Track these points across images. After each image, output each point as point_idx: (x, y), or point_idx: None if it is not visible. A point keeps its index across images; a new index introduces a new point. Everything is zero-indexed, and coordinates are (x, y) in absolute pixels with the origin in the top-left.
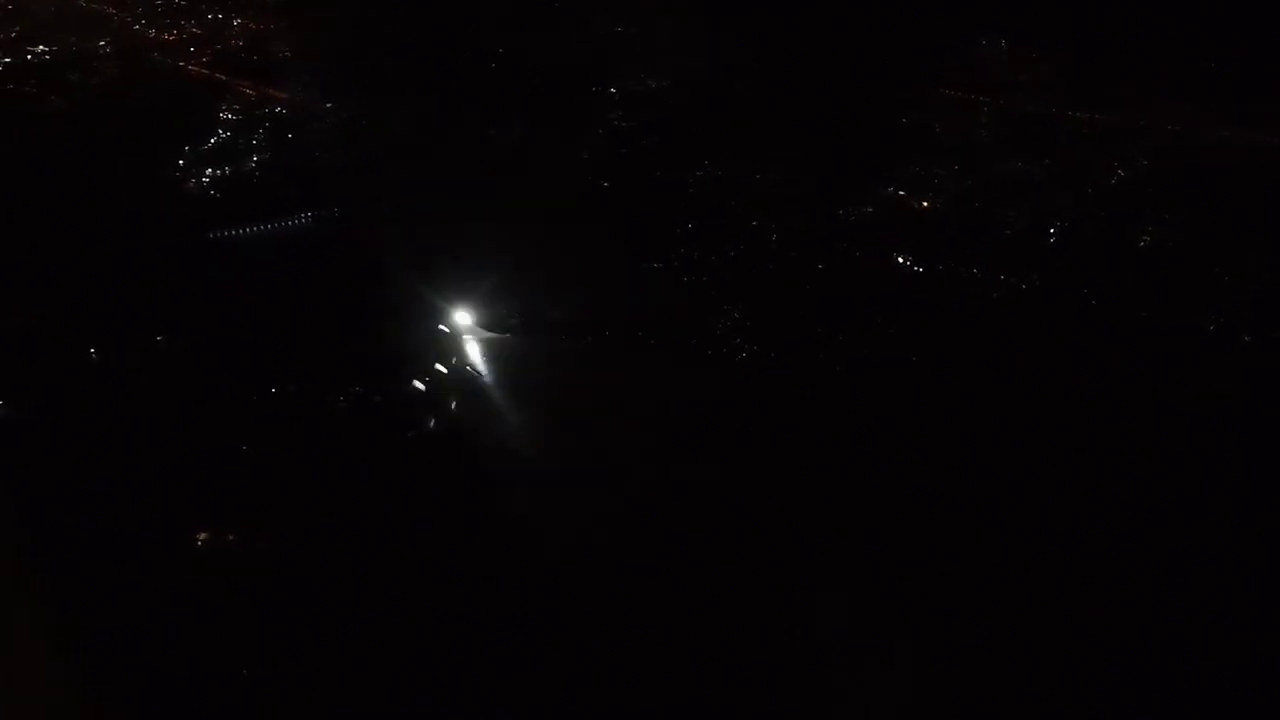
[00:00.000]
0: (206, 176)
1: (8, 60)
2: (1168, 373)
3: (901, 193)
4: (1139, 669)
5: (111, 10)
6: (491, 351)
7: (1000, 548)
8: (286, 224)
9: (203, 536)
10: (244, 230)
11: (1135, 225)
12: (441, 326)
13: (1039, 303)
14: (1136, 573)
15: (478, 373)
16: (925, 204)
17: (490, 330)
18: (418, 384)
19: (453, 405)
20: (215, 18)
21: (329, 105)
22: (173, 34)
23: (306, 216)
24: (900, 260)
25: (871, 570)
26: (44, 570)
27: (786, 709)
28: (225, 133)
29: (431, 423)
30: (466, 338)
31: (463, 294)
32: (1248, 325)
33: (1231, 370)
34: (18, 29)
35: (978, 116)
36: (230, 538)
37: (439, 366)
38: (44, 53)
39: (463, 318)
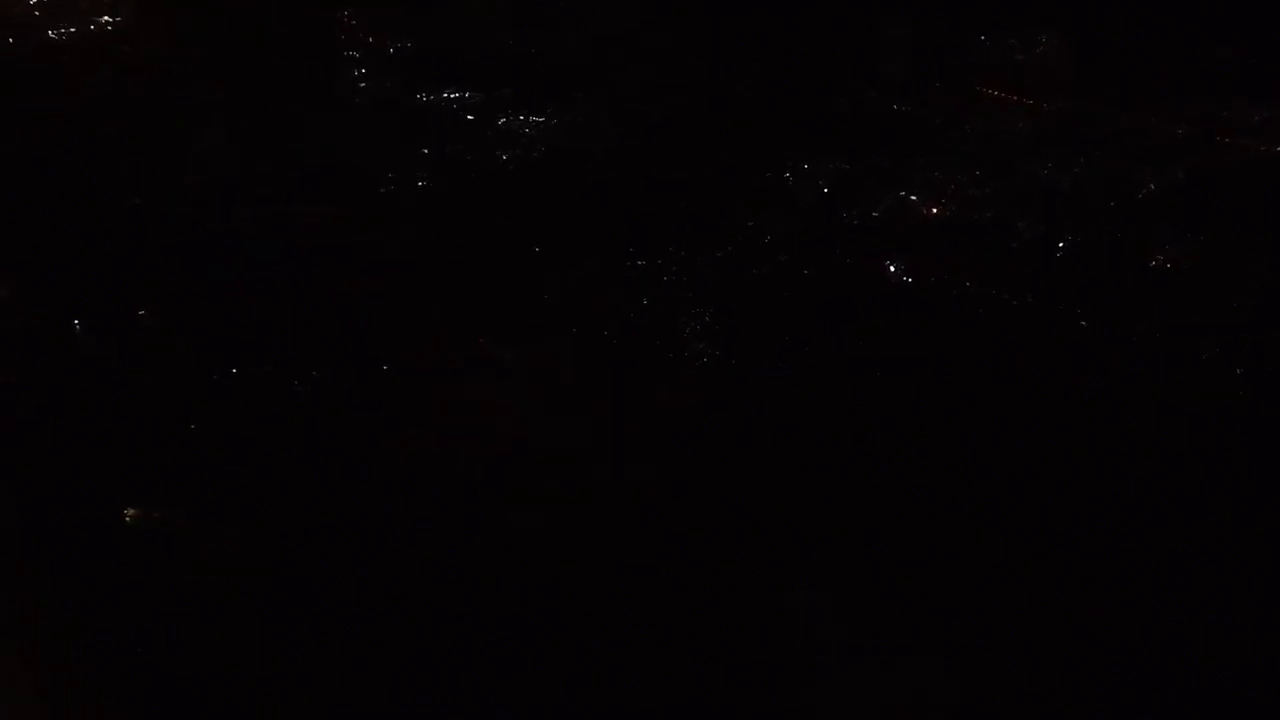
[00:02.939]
0: (226, 155)
1: (71, 30)
2: (1147, 401)
3: (913, 197)
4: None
5: None
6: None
7: (970, 573)
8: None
9: (130, 514)
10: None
11: (1152, 241)
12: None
13: (1026, 321)
14: (1121, 592)
15: (449, 373)
16: (935, 210)
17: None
18: (392, 374)
19: (428, 397)
20: None
21: (362, 86)
22: None
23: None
24: (892, 269)
25: (846, 586)
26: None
27: (784, 709)
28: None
29: (407, 414)
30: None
31: (438, 292)
32: (1245, 356)
33: (1218, 402)
34: None
35: (1014, 118)
36: (156, 515)
37: (413, 360)
38: (107, 23)
39: (435, 316)
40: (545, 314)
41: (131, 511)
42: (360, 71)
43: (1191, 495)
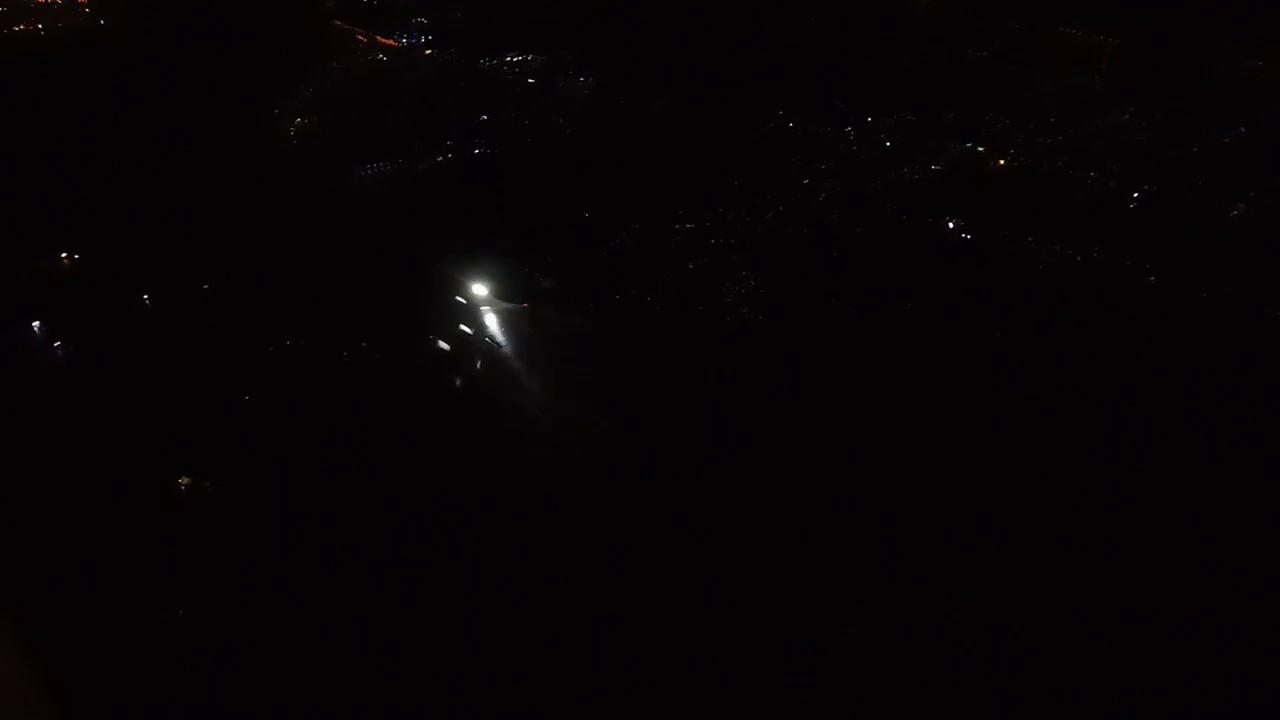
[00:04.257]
0: (295, 125)
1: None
2: (1211, 361)
3: (980, 149)
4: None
5: None
6: (509, 320)
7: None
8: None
9: (184, 481)
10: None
11: (1231, 195)
12: (461, 297)
13: (1088, 278)
14: (1146, 567)
15: (496, 341)
16: (1002, 162)
17: (510, 299)
18: (442, 344)
19: (477, 365)
20: None
21: (429, 53)
22: None
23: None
24: (950, 225)
25: (878, 561)
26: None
27: (783, 704)
28: (326, 79)
29: (457, 382)
30: (485, 307)
31: (490, 258)
32: None
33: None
34: None
35: (1096, 61)
36: (207, 485)
37: (464, 328)
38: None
39: (483, 286)
40: (590, 283)
41: (185, 480)
42: (426, 38)
43: (1260, 451)
